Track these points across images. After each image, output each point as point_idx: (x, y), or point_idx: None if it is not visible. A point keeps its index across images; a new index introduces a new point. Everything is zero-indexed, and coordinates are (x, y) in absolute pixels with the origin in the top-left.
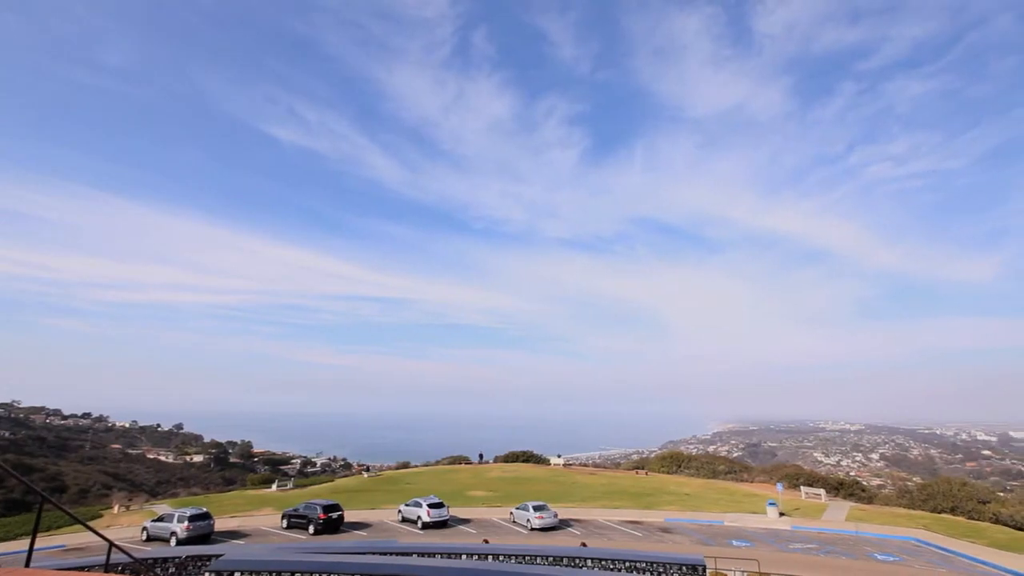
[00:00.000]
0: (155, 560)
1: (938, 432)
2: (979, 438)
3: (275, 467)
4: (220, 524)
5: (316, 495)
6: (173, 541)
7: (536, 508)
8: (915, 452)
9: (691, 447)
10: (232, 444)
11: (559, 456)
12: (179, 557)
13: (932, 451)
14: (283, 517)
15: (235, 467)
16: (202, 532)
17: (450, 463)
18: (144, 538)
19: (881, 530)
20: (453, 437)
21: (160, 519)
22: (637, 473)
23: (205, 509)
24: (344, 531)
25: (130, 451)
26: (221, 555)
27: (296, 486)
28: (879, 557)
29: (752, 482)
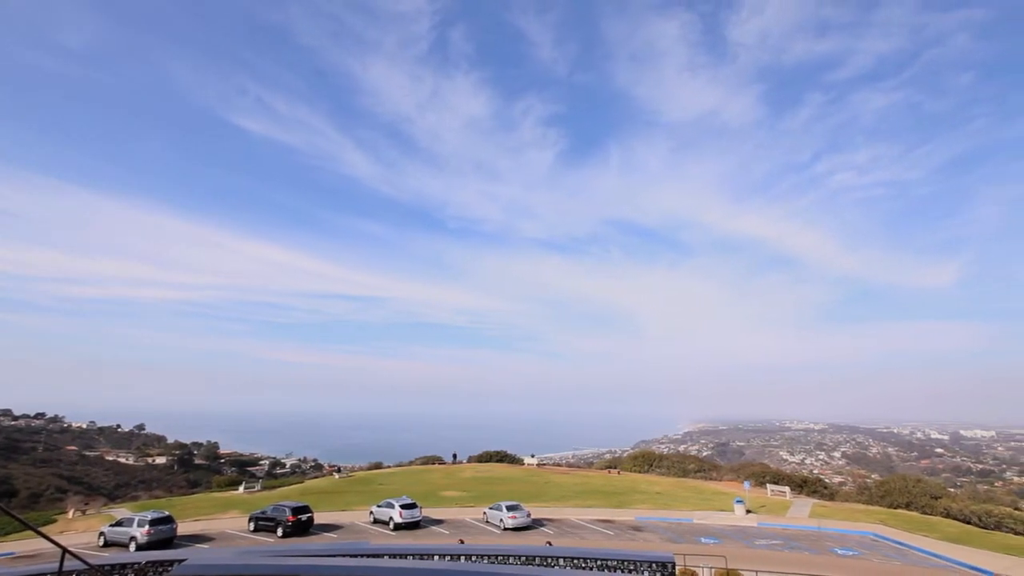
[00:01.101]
0: (112, 567)
1: (895, 431)
2: (933, 437)
3: (243, 468)
4: (183, 528)
5: (285, 497)
6: (132, 546)
7: (509, 508)
8: (874, 450)
9: (663, 447)
10: (197, 445)
11: (533, 456)
12: (139, 563)
13: (890, 449)
14: (250, 520)
15: (200, 469)
16: (164, 536)
17: (423, 463)
18: (101, 544)
19: (842, 525)
20: (427, 437)
21: (119, 523)
22: (610, 472)
23: (167, 512)
24: (314, 533)
25: (87, 453)
26: (184, 560)
27: (264, 488)
28: (839, 552)
29: (721, 480)
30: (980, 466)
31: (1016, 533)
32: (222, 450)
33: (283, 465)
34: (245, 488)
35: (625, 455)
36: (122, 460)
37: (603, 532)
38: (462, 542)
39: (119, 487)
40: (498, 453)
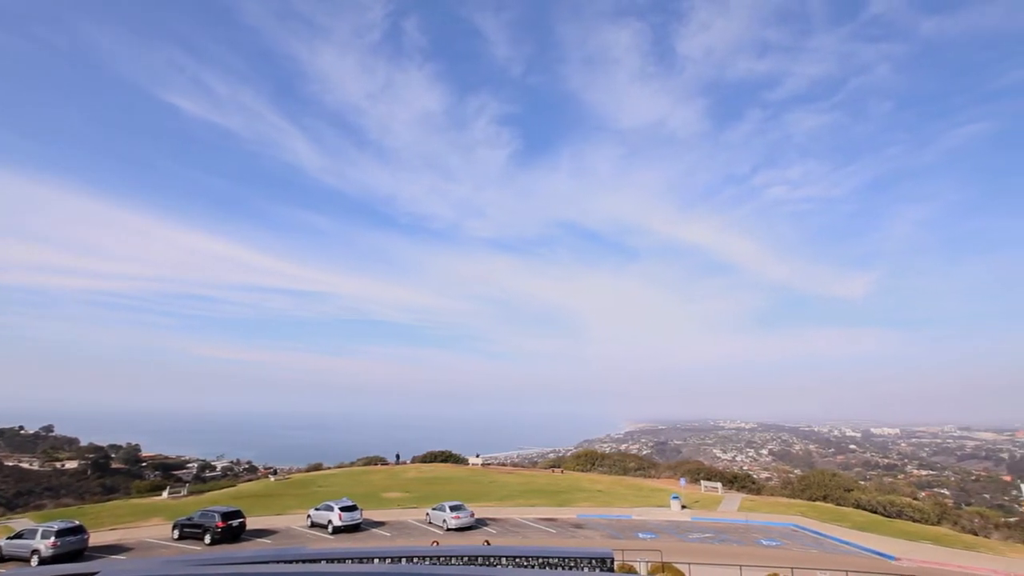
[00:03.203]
0: None
1: (816, 429)
2: (847, 434)
3: (167, 472)
4: (96, 538)
5: (215, 502)
6: (35, 560)
7: (453, 508)
8: (797, 447)
9: (605, 446)
10: (116, 448)
11: (478, 456)
12: None
13: (811, 446)
14: (175, 527)
15: (119, 474)
16: (72, 548)
17: (365, 464)
18: None
19: (767, 518)
20: (370, 437)
21: (18, 535)
22: (553, 471)
23: (77, 522)
24: (246, 539)
25: None
26: (96, 572)
27: (191, 492)
28: (764, 542)
29: (659, 478)
30: (887, 460)
31: (915, 520)
32: (144, 453)
33: (213, 468)
34: (169, 493)
35: (569, 454)
36: (24, 465)
37: (546, 531)
38: (436, 544)
39: (20, 495)
40: (443, 453)
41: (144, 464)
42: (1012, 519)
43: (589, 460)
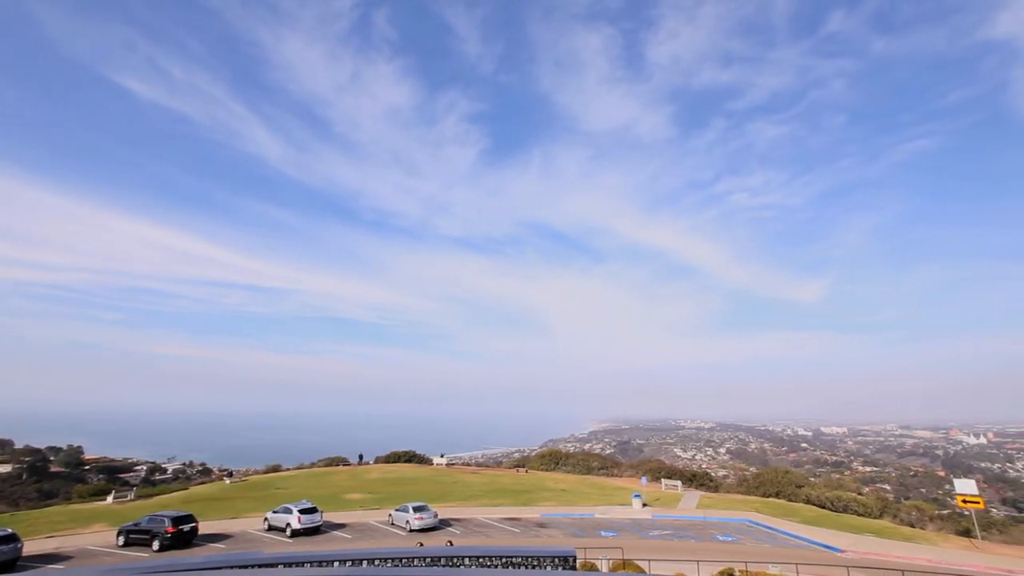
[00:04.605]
0: None
1: (770, 428)
2: (799, 432)
3: (113, 476)
4: (32, 546)
5: (165, 506)
6: None
7: (416, 509)
8: (752, 446)
9: (569, 445)
10: (55, 450)
11: (442, 456)
12: None
13: (765, 445)
14: (119, 533)
15: (58, 478)
16: (4, 559)
17: (327, 465)
18: None
19: (723, 514)
20: (332, 438)
21: None
22: (518, 471)
23: (10, 530)
24: (198, 545)
25: None
26: None
27: (139, 496)
28: (720, 538)
29: (621, 477)
30: (835, 458)
31: (859, 514)
32: (88, 455)
33: (164, 471)
34: (115, 498)
35: (533, 454)
36: None
37: (509, 530)
38: (422, 544)
39: None
40: (406, 453)
41: (87, 467)
42: (945, 512)
43: (553, 459)
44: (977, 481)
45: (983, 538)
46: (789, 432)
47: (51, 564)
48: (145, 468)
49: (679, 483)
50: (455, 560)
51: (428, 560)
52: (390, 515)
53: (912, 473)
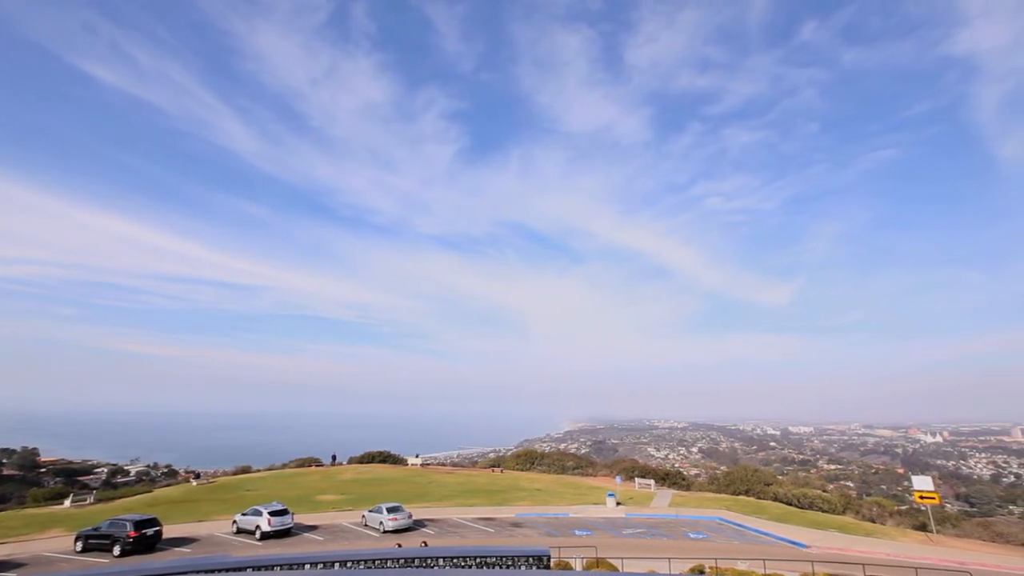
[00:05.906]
0: None
1: (740, 427)
2: (768, 432)
3: (71, 478)
4: None
5: (128, 509)
6: None
7: (390, 510)
8: (724, 445)
9: (544, 445)
10: (8, 452)
11: (417, 456)
12: None
13: (736, 444)
14: (78, 538)
15: (11, 481)
16: None
17: (299, 466)
18: None
19: (695, 512)
20: (305, 438)
21: None
22: (493, 471)
23: None
24: (162, 549)
25: None
26: None
27: (99, 500)
28: (691, 536)
29: (596, 476)
30: (801, 456)
31: (824, 511)
32: (44, 457)
33: (126, 473)
34: (73, 501)
35: (509, 454)
36: None
37: (484, 530)
38: (400, 546)
39: None
40: (381, 453)
41: (43, 470)
42: (904, 507)
43: (529, 459)
44: (933, 478)
45: (938, 532)
46: (759, 431)
47: (4, 572)
48: (106, 470)
49: (652, 482)
50: (429, 561)
51: (402, 561)
52: (363, 516)
53: (874, 471)
